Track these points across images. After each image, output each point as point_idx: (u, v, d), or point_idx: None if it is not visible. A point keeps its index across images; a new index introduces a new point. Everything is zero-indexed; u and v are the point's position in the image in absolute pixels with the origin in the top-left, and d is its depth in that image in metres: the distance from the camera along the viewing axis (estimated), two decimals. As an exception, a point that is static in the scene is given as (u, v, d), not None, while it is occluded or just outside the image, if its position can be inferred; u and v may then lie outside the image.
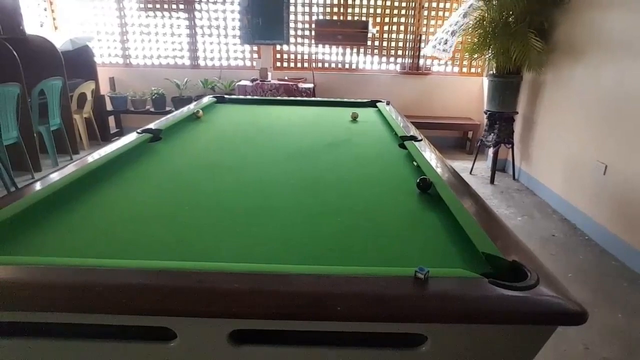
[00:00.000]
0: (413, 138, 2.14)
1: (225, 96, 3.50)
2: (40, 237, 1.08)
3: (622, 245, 2.80)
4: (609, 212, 2.97)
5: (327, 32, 5.09)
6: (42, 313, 0.81)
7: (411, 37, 5.30)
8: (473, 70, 5.40)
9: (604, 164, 3.00)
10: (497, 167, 4.39)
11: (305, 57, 5.48)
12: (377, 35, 5.31)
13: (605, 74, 3.08)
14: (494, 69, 4.17)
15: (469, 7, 4.19)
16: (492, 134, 4.23)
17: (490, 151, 4.42)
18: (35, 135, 4.10)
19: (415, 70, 5.41)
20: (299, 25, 5.34)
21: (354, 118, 2.81)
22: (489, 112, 4.22)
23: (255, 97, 4.45)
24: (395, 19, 5.28)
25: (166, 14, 5.35)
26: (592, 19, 3.30)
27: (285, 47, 5.38)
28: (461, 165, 4.73)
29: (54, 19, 5.35)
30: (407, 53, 5.38)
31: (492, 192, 4.01)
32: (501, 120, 4.15)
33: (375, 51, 5.41)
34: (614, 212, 2.93)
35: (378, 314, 0.80)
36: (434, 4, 5.19)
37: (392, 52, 5.41)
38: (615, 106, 2.94)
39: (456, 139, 5.62)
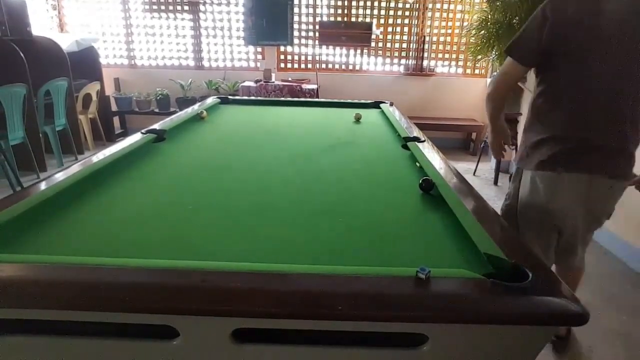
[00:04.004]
0: (416, 139, 2.13)
1: (229, 97, 3.51)
2: (45, 236, 1.09)
3: (626, 247, 2.78)
4: (613, 214, 2.94)
5: (331, 33, 5.09)
6: (47, 311, 0.82)
7: (415, 39, 5.31)
8: (477, 71, 5.39)
9: (609, 166, 2.98)
10: (501, 168, 4.38)
11: (309, 58, 5.49)
12: (381, 36, 5.31)
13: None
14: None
15: None
16: (496, 135, 4.21)
17: (494, 152, 4.40)
18: (40, 135, 4.13)
19: (418, 71, 5.40)
20: (303, 27, 5.35)
21: (357, 119, 2.81)
22: (492, 114, 4.21)
23: (259, 98, 4.47)
24: (399, 20, 5.28)
25: (171, 15, 5.38)
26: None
27: (289, 48, 5.39)
28: (465, 167, 4.72)
29: (60, 20, 5.39)
30: (410, 54, 5.38)
31: (495, 194, 4.00)
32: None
33: (379, 52, 5.42)
34: (617, 213, 2.89)
35: (379, 314, 0.80)
36: (438, 5, 5.19)
37: (396, 53, 5.41)
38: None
39: (460, 140, 5.61)
